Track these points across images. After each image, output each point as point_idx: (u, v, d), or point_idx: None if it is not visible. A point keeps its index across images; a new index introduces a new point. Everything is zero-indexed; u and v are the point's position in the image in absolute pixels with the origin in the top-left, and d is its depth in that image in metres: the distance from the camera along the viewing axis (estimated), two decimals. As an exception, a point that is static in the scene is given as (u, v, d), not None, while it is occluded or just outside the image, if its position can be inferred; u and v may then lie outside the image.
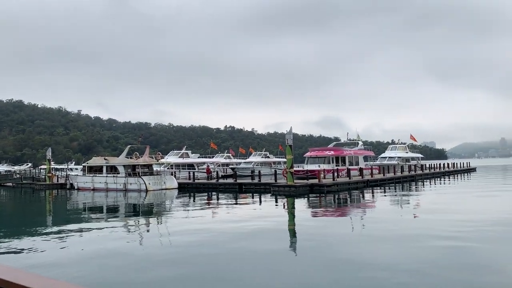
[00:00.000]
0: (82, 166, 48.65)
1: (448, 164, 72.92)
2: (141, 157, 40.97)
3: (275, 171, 41.69)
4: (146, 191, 36.76)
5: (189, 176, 46.43)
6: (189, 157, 61.03)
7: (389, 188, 35.25)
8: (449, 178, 51.29)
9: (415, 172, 51.88)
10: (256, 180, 38.54)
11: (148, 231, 16.36)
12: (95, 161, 43.32)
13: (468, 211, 19.77)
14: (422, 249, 11.47)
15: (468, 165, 77.45)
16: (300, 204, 24.94)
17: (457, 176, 54.95)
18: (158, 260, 10.88)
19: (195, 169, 57.35)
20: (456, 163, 76.06)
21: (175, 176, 44.07)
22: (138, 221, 19.43)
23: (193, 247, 12.55)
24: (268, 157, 73.41)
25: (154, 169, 42.61)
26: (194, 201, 28.48)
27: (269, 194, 30.89)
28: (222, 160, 70.00)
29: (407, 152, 68.44)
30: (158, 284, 8.86)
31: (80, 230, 16.30)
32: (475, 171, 71.90)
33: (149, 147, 44.89)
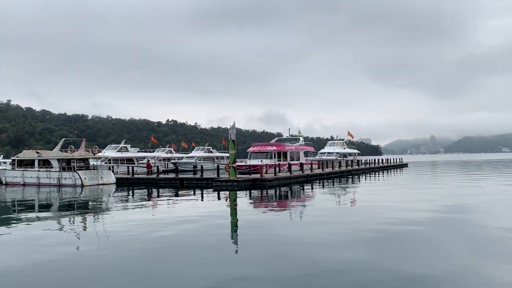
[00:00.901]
0: (11, 160, 45.53)
1: (382, 159, 76.78)
2: (77, 150, 39.14)
3: (218, 166, 41.67)
4: (82, 186, 35.20)
5: (128, 171, 45.05)
6: (128, 151, 59.17)
7: (328, 183, 36.45)
8: (383, 173, 53.99)
9: (352, 167, 54.04)
10: (198, 175, 38.23)
11: (84, 228, 15.65)
12: (26, 154, 40.65)
13: (398, 203, 20.98)
14: (356, 237, 12.01)
15: (400, 160, 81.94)
16: (242, 198, 25.09)
17: (390, 171, 57.98)
18: (94, 258, 10.46)
19: (134, 163, 55.73)
20: (390, 159, 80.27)
21: (113, 171, 42.58)
22: (73, 218, 18.53)
23: (132, 243, 12.20)
24: (211, 151, 73.05)
25: (91, 163, 40.84)
26: (133, 196, 27.67)
27: (211, 189, 30.77)
28: (163, 155, 68.62)
29: (344, 148, 71.26)
30: (95, 284, 8.52)
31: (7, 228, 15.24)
32: (407, 166, 76.31)
33: (85, 140, 42.90)
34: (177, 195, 28.04)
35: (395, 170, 62.88)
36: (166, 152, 72.49)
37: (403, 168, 69.18)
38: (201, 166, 41.06)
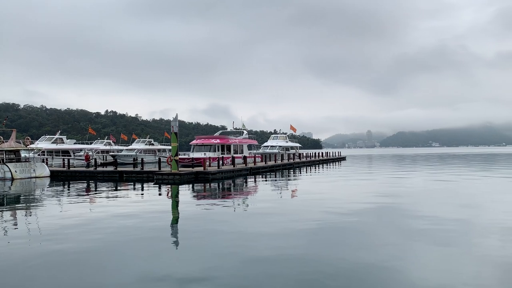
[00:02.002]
0: None
1: (322, 153, 79.26)
2: (6, 141, 36.68)
3: (159, 159, 40.85)
4: (12, 179, 33.10)
5: (64, 163, 42.93)
6: (64, 143, 56.44)
7: (271, 175, 37.03)
8: (323, 166, 55.76)
9: (293, 160, 55.29)
10: (138, 168, 37.27)
11: (15, 224, 14.72)
12: None
13: (336, 194, 21.86)
14: (297, 227, 12.36)
15: (339, 154, 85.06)
16: (185, 192, 24.84)
17: (330, 164, 60.01)
18: (28, 256, 9.90)
19: (71, 156, 53.22)
20: (329, 152, 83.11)
21: (47, 164, 40.39)
22: (1, 213, 17.35)
23: (67, 238, 11.68)
24: (153, 144, 71.50)
25: (22, 155, 38.44)
26: (69, 190, 26.43)
27: (152, 183, 30.14)
28: (102, 147, 66.09)
29: (287, 142, 72.71)
30: (31, 283, 8.08)
31: None
32: (345, 159, 79.41)
33: (16, 130, 40.26)
34: (116, 189, 27.16)
35: (334, 163, 65.17)
36: (104, 144, 69.85)
37: (342, 161, 71.86)
38: (142, 159, 40.09)
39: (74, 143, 63.30)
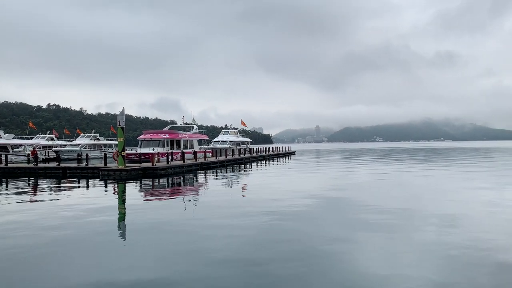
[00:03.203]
0: None
1: (273, 148, 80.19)
2: None
3: (105, 154, 39.49)
4: None
5: (1, 159, 40.36)
6: (1, 137, 53.09)
7: (221, 171, 36.91)
8: (273, 160, 56.39)
9: (244, 155, 55.47)
10: (83, 164, 35.79)
11: None
12: None
13: (285, 187, 22.13)
14: (248, 220, 12.39)
15: (289, 149, 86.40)
16: (132, 188, 24.16)
17: (280, 159, 60.80)
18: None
19: (9, 151, 50.19)
20: (279, 147, 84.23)
21: (-19, 160, 37.79)
22: None
23: (4, 238, 10.96)
24: (98, 139, 68.83)
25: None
26: (6, 188, 24.86)
27: (98, 179, 29.05)
28: (43, 142, 62.82)
29: (238, 137, 72.81)
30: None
31: None
32: (295, 154, 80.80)
33: None
34: (59, 186, 25.89)
35: (284, 157, 66.12)
36: (46, 139, 66.46)
37: (291, 156, 73.05)
38: (87, 155, 38.49)
39: (13, 138, 59.78)
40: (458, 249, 9.47)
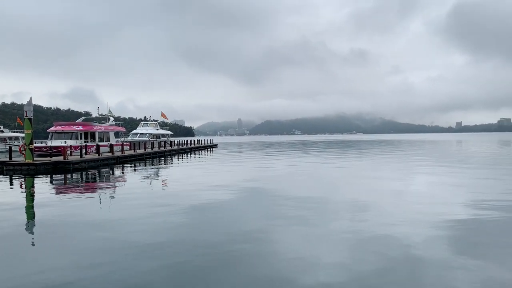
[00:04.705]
0: None
1: (194, 141, 79.53)
2: None
3: (10, 147, 36.30)
4: None
5: None
6: None
7: (140, 164, 35.79)
8: (195, 153, 55.93)
9: (165, 148, 54.31)
10: (-17, 159, 32.56)
11: None
12: None
13: (207, 180, 22.12)
14: (168, 215, 12.19)
15: (211, 141, 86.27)
16: (41, 184, 22.50)
17: (202, 152, 60.48)
18: None
19: None
20: (201, 140, 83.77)
21: None
22: None
23: None
24: (2, 131, 62.99)
25: None
26: None
27: (2, 175, 26.64)
28: None
29: (158, 129, 70.96)
30: None
31: None
32: (217, 147, 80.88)
33: None
34: (-47, 183, 23.28)
35: (206, 150, 65.90)
36: None
37: (213, 149, 73.03)
38: (-12, 148, 35.10)
39: None
40: (369, 235, 10.20)
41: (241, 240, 9.79)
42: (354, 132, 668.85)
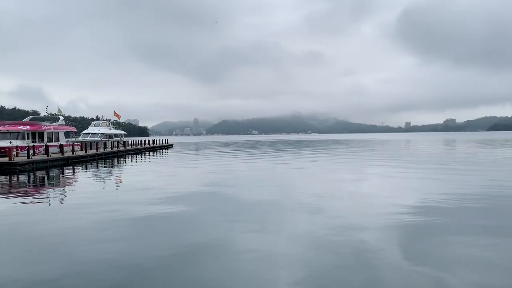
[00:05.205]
0: None
1: (149, 141, 77.96)
2: None
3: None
4: None
5: None
6: None
7: (92, 165, 34.66)
8: (149, 154, 54.86)
9: (118, 148, 52.87)
10: None
11: None
12: None
13: (161, 182, 21.77)
14: (122, 220, 11.91)
15: (166, 142, 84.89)
16: (-16, 187, 21.25)
17: (157, 152, 59.41)
18: None
19: None
20: (157, 140, 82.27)
21: None
22: None
23: None
24: None
25: None
26: None
27: None
28: None
29: (110, 129, 68.88)
30: None
31: None
32: (172, 147, 79.69)
33: None
34: None
35: (161, 151, 64.80)
36: None
37: (169, 149, 71.93)
38: None
39: None
40: (324, 231, 10.52)
41: (197, 244, 9.74)
42: (310, 132, 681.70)
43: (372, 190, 18.34)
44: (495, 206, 13.82)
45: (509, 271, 7.61)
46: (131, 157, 46.22)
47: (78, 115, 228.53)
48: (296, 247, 9.24)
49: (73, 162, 36.89)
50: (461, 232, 10.37)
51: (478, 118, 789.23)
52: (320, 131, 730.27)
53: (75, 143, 45.65)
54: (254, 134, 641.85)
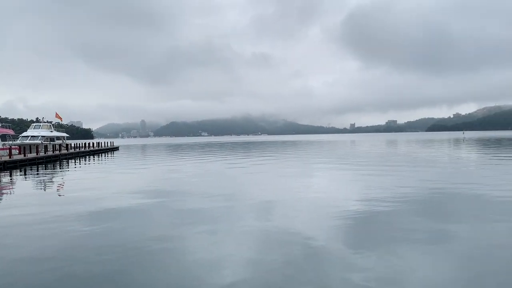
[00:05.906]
0: None
1: (93, 143, 75.25)
2: None
3: None
4: None
5: None
6: None
7: (31, 170, 32.88)
8: (94, 157, 52.90)
9: (60, 151, 50.59)
10: None
11: None
12: None
13: (106, 187, 21.09)
14: (66, 225, 11.44)
15: (112, 144, 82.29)
16: None
17: (101, 155, 57.41)
18: None
19: None
20: (101, 143, 79.58)
21: None
22: None
23: None
24: None
25: None
26: None
27: None
28: None
29: (52, 131, 65.75)
30: None
31: None
32: (118, 150, 77.37)
33: None
34: None
35: (107, 153, 62.73)
36: None
37: (114, 152, 69.77)
38: None
39: None
40: (273, 230, 10.75)
41: (147, 246, 9.58)
42: (260, 133, 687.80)
43: (318, 189, 18.86)
44: (431, 201, 14.72)
45: (447, 255, 8.16)
46: (75, 161, 44.35)
47: (16, 117, 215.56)
48: (245, 247, 9.34)
49: (11, 166, 34.81)
50: (402, 228, 10.95)
51: (417, 119, 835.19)
52: (269, 133, 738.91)
53: (12, 146, 43.17)
54: (204, 136, 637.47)
